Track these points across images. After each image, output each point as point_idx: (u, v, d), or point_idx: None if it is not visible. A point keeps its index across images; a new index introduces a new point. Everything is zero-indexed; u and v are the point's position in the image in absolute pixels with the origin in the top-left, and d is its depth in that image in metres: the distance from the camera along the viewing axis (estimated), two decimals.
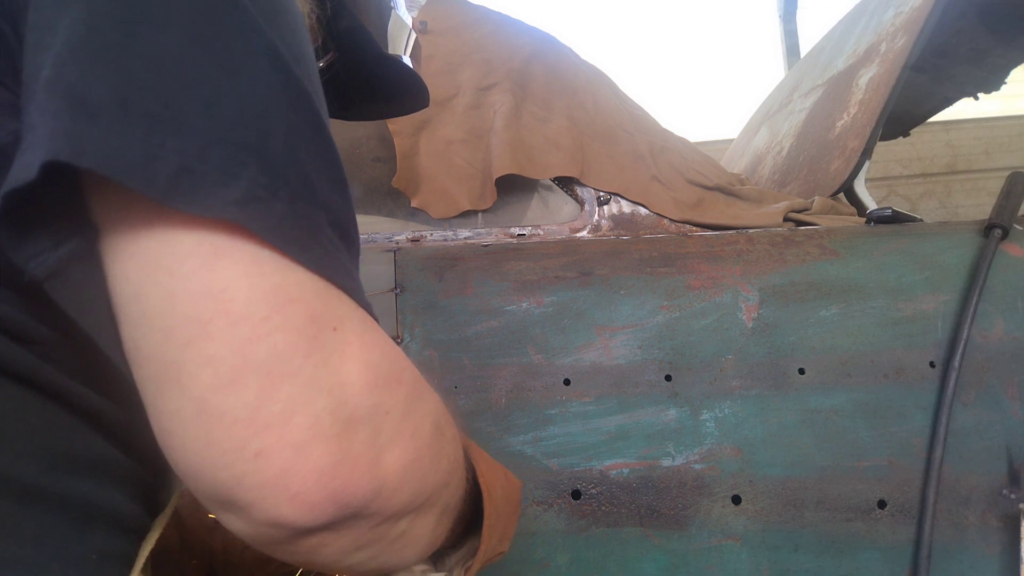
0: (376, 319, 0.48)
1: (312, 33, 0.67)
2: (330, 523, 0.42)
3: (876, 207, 1.35)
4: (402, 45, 0.85)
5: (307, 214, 0.44)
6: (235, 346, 0.40)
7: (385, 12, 0.82)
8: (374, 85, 0.84)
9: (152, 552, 0.51)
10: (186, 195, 0.39)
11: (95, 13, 0.41)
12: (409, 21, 0.87)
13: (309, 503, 0.40)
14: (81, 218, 0.43)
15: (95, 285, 0.43)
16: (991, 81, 2.20)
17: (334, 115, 0.92)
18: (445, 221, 1.27)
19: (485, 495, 0.61)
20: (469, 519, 0.62)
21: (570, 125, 1.39)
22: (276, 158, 0.43)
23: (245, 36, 0.44)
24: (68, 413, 0.46)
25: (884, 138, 2.47)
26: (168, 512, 0.52)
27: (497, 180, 1.27)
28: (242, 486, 0.40)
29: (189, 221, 0.40)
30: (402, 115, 0.96)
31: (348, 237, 0.48)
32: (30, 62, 0.43)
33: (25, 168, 0.38)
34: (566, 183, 1.33)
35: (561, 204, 1.34)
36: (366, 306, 0.47)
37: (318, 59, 0.72)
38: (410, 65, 0.85)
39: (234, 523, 0.43)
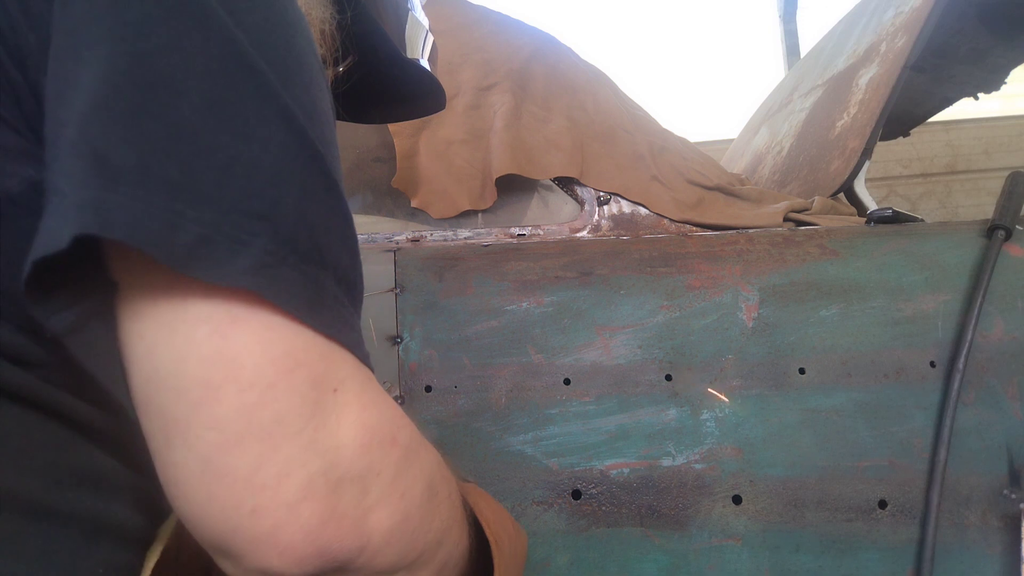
0: (373, 369, 0.50)
1: (331, 39, 0.67)
2: (315, 575, 0.44)
3: (876, 207, 1.35)
4: (419, 47, 0.85)
5: (314, 276, 0.46)
6: (241, 411, 0.42)
7: (403, 14, 0.83)
8: (391, 88, 0.85)
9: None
10: (203, 264, 0.41)
11: (116, 72, 0.42)
12: (426, 23, 0.87)
13: (296, 556, 0.43)
14: (100, 276, 0.44)
15: (111, 339, 0.45)
16: (991, 81, 2.19)
17: (352, 119, 0.92)
18: (445, 221, 1.27)
19: (493, 547, 0.63)
20: (476, 574, 0.63)
21: (570, 125, 1.38)
22: (286, 224, 0.45)
23: (260, 100, 0.45)
24: (70, 429, 0.47)
25: (884, 138, 2.47)
26: (172, 521, 0.53)
27: (497, 180, 1.27)
28: (236, 537, 0.43)
29: (205, 288, 0.42)
30: (419, 117, 0.97)
31: (353, 290, 0.50)
32: (52, 116, 0.44)
33: (54, 236, 0.40)
34: (566, 183, 1.33)
35: (561, 204, 1.34)
36: (365, 357, 0.49)
37: (337, 64, 0.72)
38: (427, 67, 0.85)
39: (228, 568, 0.45)
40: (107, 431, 0.48)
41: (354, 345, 0.48)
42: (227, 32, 0.45)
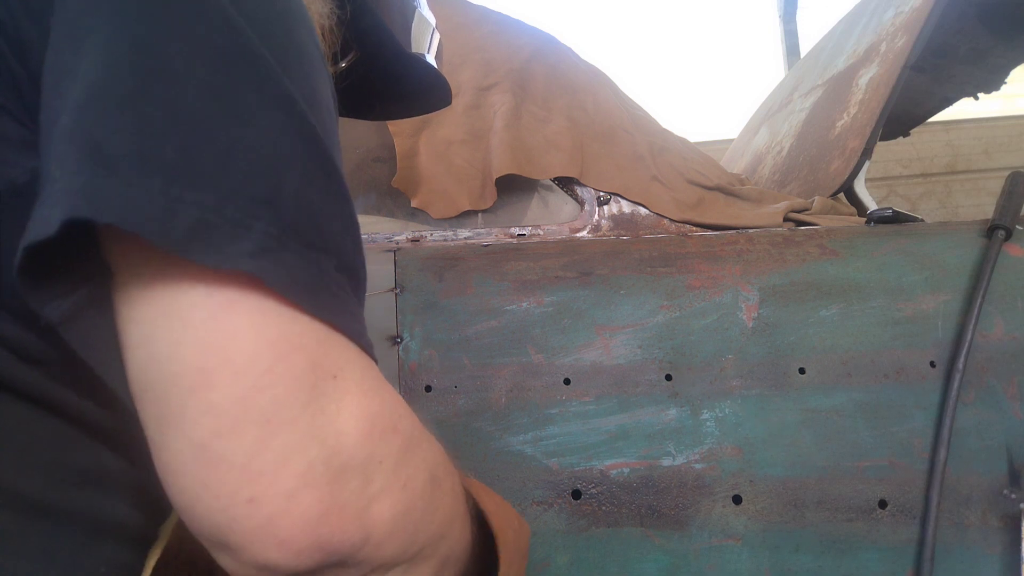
0: (376, 360, 0.49)
1: (332, 35, 0.67)
2: (316, 568, 0.43)
3: (876, 207, 1.35)
4: (426, 44, 0.85)
5: (315, 261, 0.45)
6: (237, 395, 0.41)
7: (409, 11, 0.83)
8: (396, 84, 0.84)
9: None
10: (202, 247, 0.40)
11: (114, 60, 0.42)
12: (433, 20, 0.87)
13: (295, 549, 0.42)
14: (95, 264, 0.44)
15: (107, 327, 0.44)
16: (991, 81, 2.20)
17: (357, 116, 0.92)
18: (445, 221, 1.27)
19: (499, 540, 0.62)
20: (479, 570, 0.62)
21: (570, 125, 1.39)
22: (287, 208, 0.44)
23: (261, 85, 0.45)
24: (74, 426, 0.47)
25: (884, 138, 2.47)
26: (174, 519, 0.53)
27: (497, 180, 1.27)
28: (233, 529, 0.41)
29: (201, 272, 0.41)
30: (424, 113, 0.96)
31: (356, 278, 0.49)
32: (48, 105, 0.43)
33: (44, 223, 0.39)
34: (566, 183, 1.33)
35: (561, 204, 1.34)
36: (368, 347, 0.48)
37: (340, 60, 0.72)
38: (433, 64, 0.85)
39: (226, 562, 0.44)
40: (111, 428, 0.48)
41: (355, 333, 0.47)
42: (228, 17, 0.44)
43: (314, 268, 0.45)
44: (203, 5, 0.44)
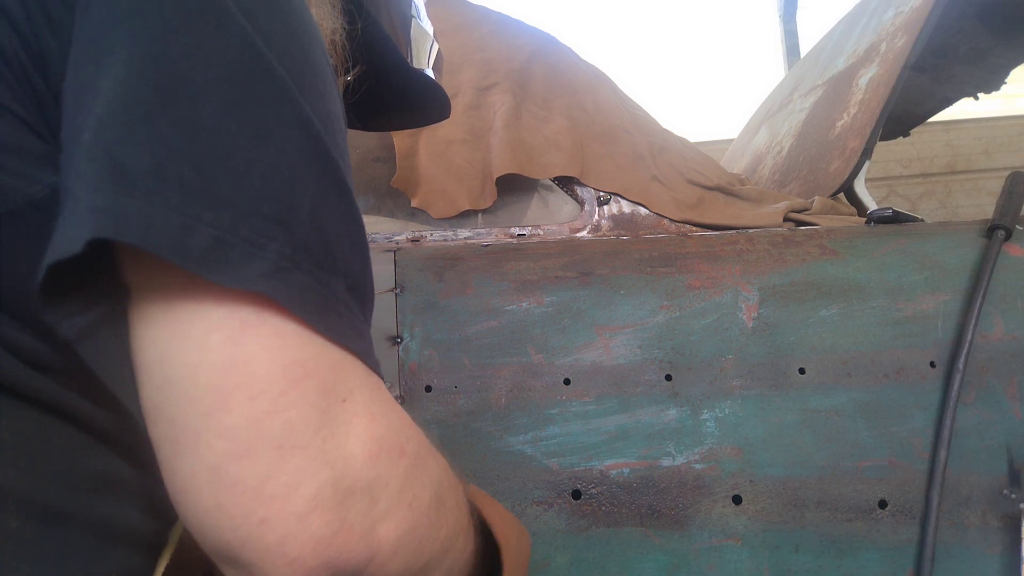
0: (383, 377, 0.50)
1: (341, 49, 0.67)
2: None
3: (876, 207, 1.35)
4: (425, 56, 0.85)
5: (326, 282, 0.46)
6: (252, 419, 0.42)
7: (407, 21, 0.83)
8: (398, 96, 0.85)
9: None
10: (218, 267, 0.41)
11: (134, 77, 0.42)
12: (431, 30, 0.87)
13: (305, 568, 0.43)
14: (113, 281, 0.44)
15: (121, 345, 0.44)
16: (991, 81, 2.20)
17: (358, 127, 0.92)
18: (445, 221, 1.27)
19: (504, 550, 0.63)
20: None
21: (570, 125, 1.39)
22: (301, 228, 0.44)
23: (278, 104, 0.45)
24: (87, 434, 0.47)
25: (884, 138, 2.47)
26: (181, 525, 0.53)
27: (497, 180, 1.27)
28: (245, 548, 0.42)
29: (219, 293, 0.42)
30: (424, 126, 0.97)
31: (363, 298, 0.50)
32: (69, 122, 0.44)
33: (69, 241, 0.40)
34: (566, 183, 1.33)
35: (561, 204, 1.34)
36: (375, 366, 0.49)
37: (346, 74, 0.72)
38: (432, 76, 0.86)
39: None
40: (122, 436, 0.48)
41: (364, 354, 0.48)
42: (247, 37, 0.45)
43: (325, 289, 0.45)
44: (222, 24, 0.45)
